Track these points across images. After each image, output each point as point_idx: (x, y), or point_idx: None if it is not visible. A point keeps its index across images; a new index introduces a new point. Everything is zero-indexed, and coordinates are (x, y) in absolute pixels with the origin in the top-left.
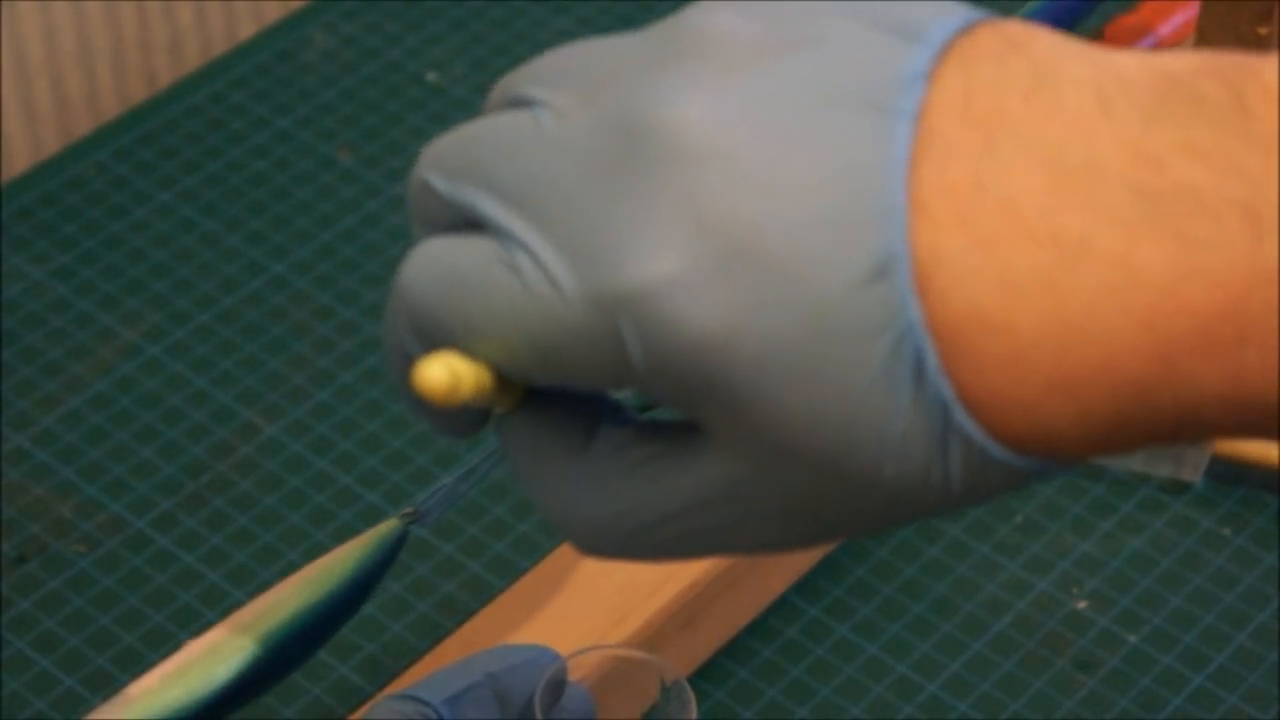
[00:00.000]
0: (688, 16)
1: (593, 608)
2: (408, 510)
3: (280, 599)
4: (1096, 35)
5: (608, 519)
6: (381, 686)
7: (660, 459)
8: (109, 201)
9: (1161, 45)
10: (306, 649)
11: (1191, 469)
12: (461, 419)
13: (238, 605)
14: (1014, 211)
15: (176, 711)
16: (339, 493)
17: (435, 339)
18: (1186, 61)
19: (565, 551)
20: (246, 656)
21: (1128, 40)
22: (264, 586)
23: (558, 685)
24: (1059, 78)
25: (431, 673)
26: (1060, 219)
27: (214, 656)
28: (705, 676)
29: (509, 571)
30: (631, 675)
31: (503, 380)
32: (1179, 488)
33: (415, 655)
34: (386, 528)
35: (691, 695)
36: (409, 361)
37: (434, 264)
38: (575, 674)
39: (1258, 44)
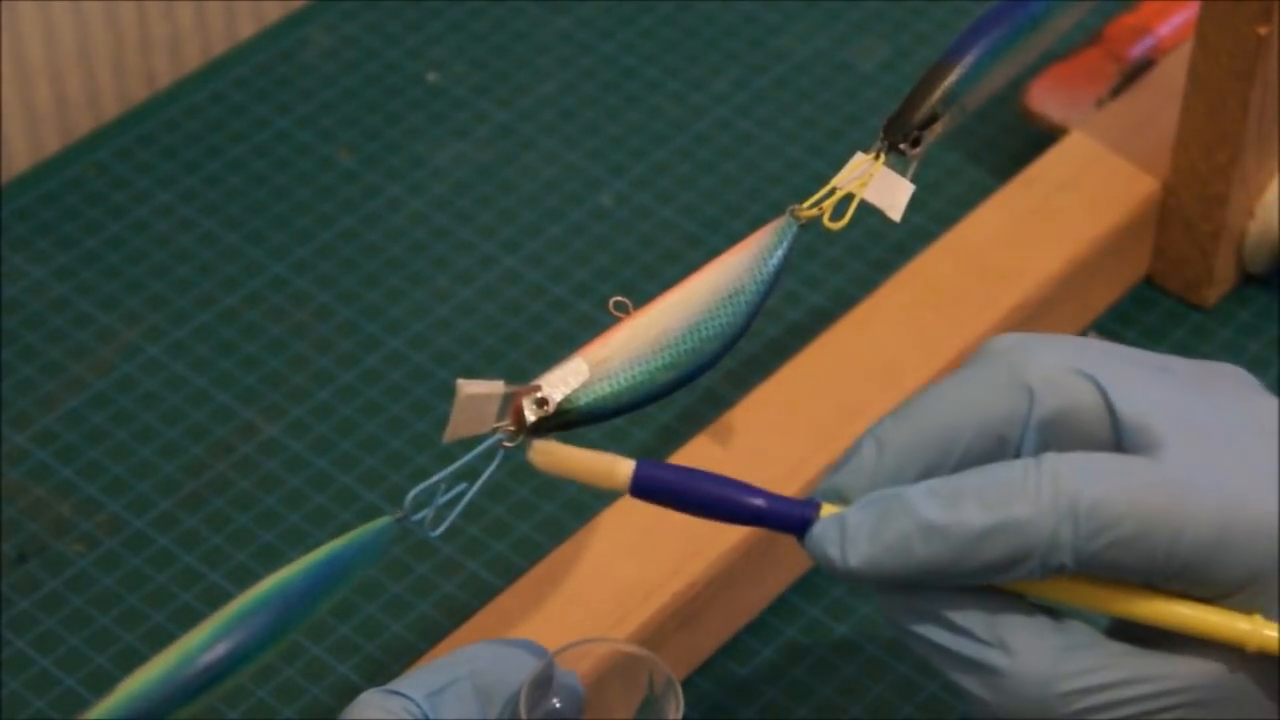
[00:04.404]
0: None
1: (592, 607)
2: (399, 514)
3: (258, 582)
4: (1096, 35)
5: (1089, 686)
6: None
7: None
8: (109, 201)
9: (1161, 45)
10: (281, 623)
11: None
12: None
13: None
14: None
15: (156, 687)
16: (339, 493)
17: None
18: None
19: (565, 552)
20: (219, 630)
21: (1128, 40)
22: None
23: (544, 681)
24: None
25: (416, 669)
26: None
27: (192, 635)
28: (705, 676)
29: (509, 571)
30: (624, 671)
31: None
32: None
33: (415, 655)
34: (375, 523)
35: (679, 694)
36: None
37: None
38: (567, 669)
39: (1258, 44)
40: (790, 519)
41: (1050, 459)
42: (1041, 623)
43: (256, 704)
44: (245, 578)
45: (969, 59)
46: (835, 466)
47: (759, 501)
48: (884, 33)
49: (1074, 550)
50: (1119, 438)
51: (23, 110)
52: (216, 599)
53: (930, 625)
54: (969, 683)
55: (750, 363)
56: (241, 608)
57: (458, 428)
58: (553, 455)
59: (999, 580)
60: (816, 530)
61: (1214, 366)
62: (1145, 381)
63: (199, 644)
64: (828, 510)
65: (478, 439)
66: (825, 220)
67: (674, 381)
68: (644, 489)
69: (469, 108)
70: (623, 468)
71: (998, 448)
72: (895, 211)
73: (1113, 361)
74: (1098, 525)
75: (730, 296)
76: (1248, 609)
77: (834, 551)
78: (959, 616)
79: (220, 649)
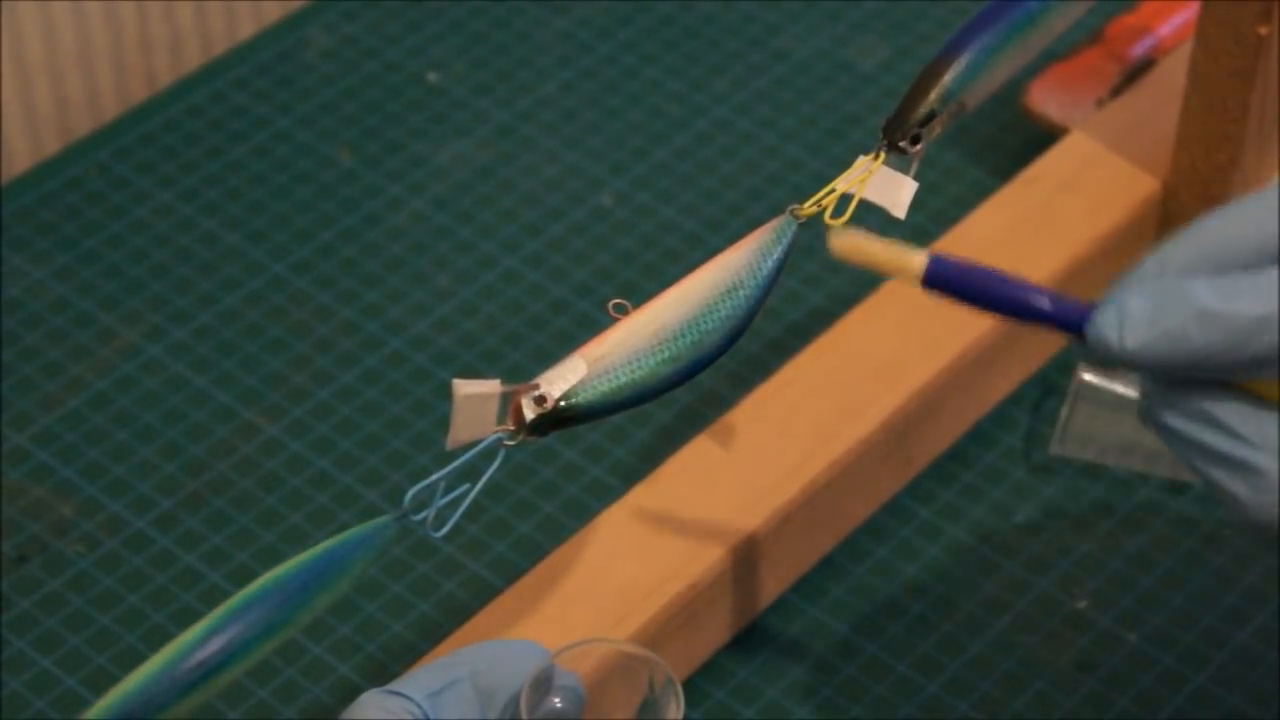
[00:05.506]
0: None
1: (593, 608)
2: (401, 513)
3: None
4: (1096, 35)
5: None
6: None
7: None
8: (109, 201)
9: (1161, 45)
10: (277, 618)
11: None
12: None
13: None
14: None
15: (153, 682)
16: (339, 493)
17: None
18: None
19: (565, 552)
20: (214, 625)
21: (1128, 40)
22: None
23: (545, 681)
24: None
25: (416, 669)
26: None
27: (187, 631)
28: (705, 676)
29: (509, 571)
30: (624, 671)
31: None
32: (1179, 488)
33: (415, 655)
34: (374, 521)
35: (679, 694)
36: None
37: None
38: (568, 669)
39: (1258, 44)
40: (1068, 316)
41: None
42: None
43: (257, 704)
44: (246, 578)
45: (965, 56)
46: (1118, 278)
47: (1043, 301)
48: (884, 33)
49: None
50: None
51: (23, 110)
52: (217, 599)
53: (1197, 423)
54: (1229, 481)
55: (750, 363)
56: (237, 603)
57: (459, 431)
58: (852, 242)
59: (1271, 374)
60: (1097, 316)
61: None
62: None
63: (194, 639)
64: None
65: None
66: (826, 217)
67: (675, 375)
68: (935, 283)
69: (469, 108)
70: (917, 260)
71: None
72: (899, 209)
73: None
74: None
75: (729, 291)
76: None
77: (1112, 335)
78: (1227, 414)
79: (215, 644)
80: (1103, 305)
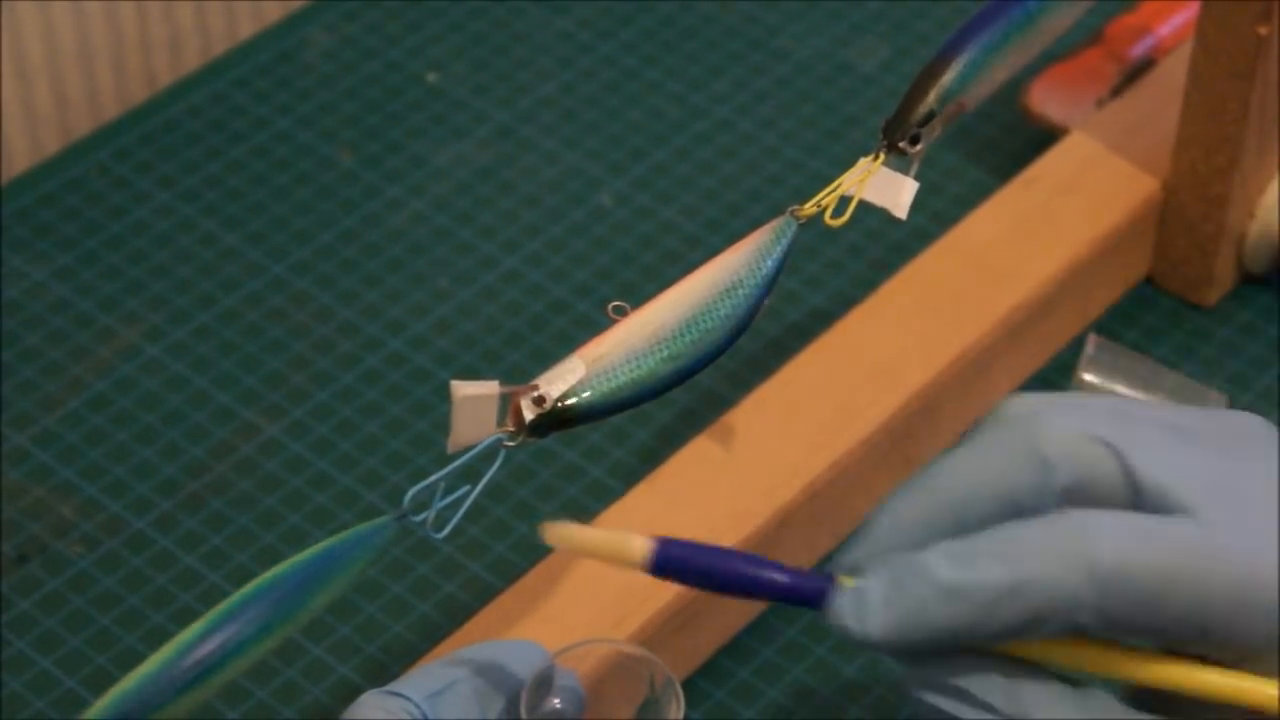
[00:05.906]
0: None
1: (593, 608)
2: (400, 513)
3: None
4: (1096, 35)
5: None
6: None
7: None
8: (109, 202)
9: (1161, 45)
10: (274, 617)
11: None
12: None
13: None
14: None
15: (150, 681)
16: (339, 493)
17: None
18: None
19: (565, 552)
20: (211, 623)
21: (1128, 40)
22: None
23: (545, 682)
24: None
25: (416, 669)
26: None
27: (185, 630)
28: (705, 676)
29: (509, 572)
30: (624, 671)
31: None
32: None
33: (415, 655)
34: (373, 521)
35: (679, 694)
36: None
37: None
38: (568, 669)
39: (1258, 44)
40: (807, 593)
41: (1069, 516)
42: (1062, 692)
43: (257, 704)
44: (246, 578)
45: (965, 56)
46: (849, 540)
47: (776, 577)
48: (884, 33)
49: (1094, 610)
50: (1139, 503)
51: (23, 110)
52: (217, 600)
53: (949, 698)
54: None
55: (750, 363)
56: (235, 602)
57: (459, 434)
58: (568, 537)
59: (1020, 640)
60: (834, 603)
61: (1232, 420)
62: (1163, 444)
63: (192, 638)
64: (846, 584)
65: None
66: (826, 217)
67: (674, 375)
68: (662, 569)
69: (469, 108)
70: (638, 547)
71: (1015, 517)
72: (900, 210)
73: (1129, 425)
74: (1118, 584)
75: (729, 290)
76: (1270, 673)
77: (853, 623)
78: (978, 687)
79: (213, 642)
80: (838, 591)
